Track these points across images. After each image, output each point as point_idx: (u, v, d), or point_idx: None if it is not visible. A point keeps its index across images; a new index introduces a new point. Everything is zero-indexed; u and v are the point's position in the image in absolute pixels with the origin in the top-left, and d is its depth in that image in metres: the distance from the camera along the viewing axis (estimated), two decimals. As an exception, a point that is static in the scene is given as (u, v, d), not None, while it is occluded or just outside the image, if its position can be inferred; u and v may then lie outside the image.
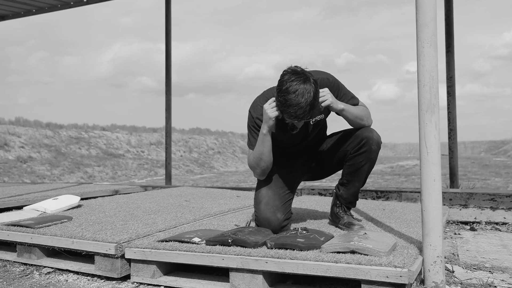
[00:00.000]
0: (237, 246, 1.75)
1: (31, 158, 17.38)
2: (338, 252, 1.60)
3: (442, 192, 3.42)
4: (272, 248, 1.71)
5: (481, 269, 2.04)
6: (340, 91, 2.05)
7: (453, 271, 2.00)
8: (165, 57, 5.00)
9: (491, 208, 3.14)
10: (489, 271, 1.99)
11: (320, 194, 3.86)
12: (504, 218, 3.06)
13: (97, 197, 3.62)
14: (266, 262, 1.62)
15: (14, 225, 2.23)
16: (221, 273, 1.85)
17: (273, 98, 1.92)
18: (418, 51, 1.65)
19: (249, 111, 2.09)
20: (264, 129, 1.96)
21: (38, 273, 2.07)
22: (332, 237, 1.83)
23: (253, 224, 2.18)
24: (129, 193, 3.96)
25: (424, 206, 1.64)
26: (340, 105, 1.96)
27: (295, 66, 1.88)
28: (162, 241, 1.91)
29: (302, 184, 4.09)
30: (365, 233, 1.75)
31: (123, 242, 1.92)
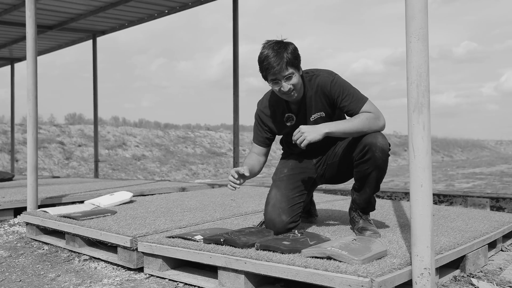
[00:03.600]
0: (228, 245, 1.81)
1: (144, 156, 19.26)
2: (316, 257, 1.57)
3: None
4: (258, 249, 1.73)
5: (516, 289, 1.79)
6: (343, 92, 1.97)
7: (477, 287, 1.80)
8: (232, 59, 5.17)
9: None
10: (524, 292, 1.74)
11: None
12: None
13: (154, 194, 3.95)
14: (245, 263, 1.65)
15: (65, 217, 2.57)
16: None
17: None
18: (406, 46, 1.54)
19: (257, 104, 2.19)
20: None
21: (78, 259, 2.36)
22: (326, 241, 1.78)
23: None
24: (189, 190, 4.22)
25: (411, 213, 1.53)
26: (323, 130, 1.89)
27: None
28: (170, 237, 2.05)
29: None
30: (354, 239, 1.68)
31: (139, 236, 2.10)
